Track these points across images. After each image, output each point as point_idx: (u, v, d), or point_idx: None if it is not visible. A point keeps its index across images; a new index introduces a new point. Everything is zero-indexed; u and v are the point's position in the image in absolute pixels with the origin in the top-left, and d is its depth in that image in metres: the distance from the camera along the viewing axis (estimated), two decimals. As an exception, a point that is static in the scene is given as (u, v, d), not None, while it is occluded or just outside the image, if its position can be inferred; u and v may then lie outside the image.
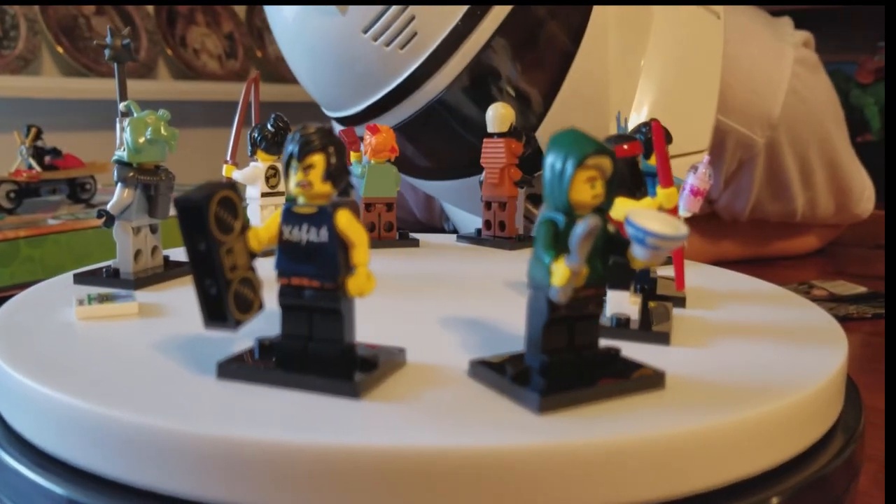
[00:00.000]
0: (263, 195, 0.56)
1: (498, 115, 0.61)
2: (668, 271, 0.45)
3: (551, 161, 0.29)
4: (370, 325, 0.33)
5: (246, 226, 0.30)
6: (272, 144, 0.55)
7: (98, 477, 0.27)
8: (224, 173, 0.56)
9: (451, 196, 0.89)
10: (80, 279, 0.45)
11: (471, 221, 0.89)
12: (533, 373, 0.29)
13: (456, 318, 0.39)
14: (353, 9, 0.71)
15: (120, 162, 0.45)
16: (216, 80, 1.58)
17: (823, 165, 0.92)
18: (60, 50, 1.31)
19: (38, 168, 0.87)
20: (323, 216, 0.30)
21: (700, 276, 0.50)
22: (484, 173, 0.62)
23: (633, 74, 0.76)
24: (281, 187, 0.56)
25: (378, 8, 0.70)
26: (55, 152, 0.90)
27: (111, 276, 0.45)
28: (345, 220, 0.30)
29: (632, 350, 0.32)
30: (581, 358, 0.30)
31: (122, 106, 0.47)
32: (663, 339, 0.35)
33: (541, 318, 0.29)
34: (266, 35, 1.70)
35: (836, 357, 0.35)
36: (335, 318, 0.30)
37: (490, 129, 0.61)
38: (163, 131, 0.44)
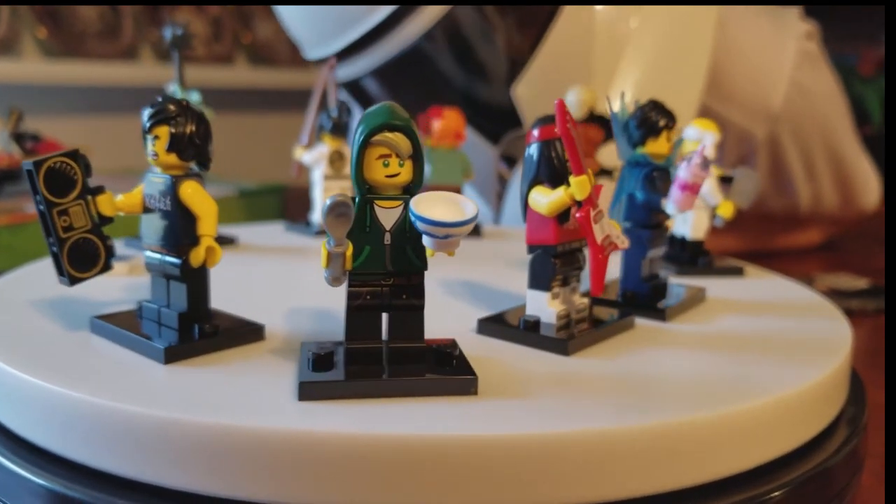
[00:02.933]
0: (327, 178, 0.57)
1: (574, 100, 0.56)
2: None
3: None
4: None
5: (90, 190, 0.32)
6: (337, 129, 0.56)
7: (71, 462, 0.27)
8: (294, 156, 0.59)
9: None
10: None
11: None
12: (336, 359, 0.28)
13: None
14: None
15: None
16: (202, 63, 1.56)
17: (827, 159, 0.92)
18: (42, 33, 1.29)
19: (19, 153, 0.84)
20: (169, 186, 0.31)
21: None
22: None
23: (618, 45, 0.74)
24: (346, 171, 0.57)
25: None
26: (36, 137, 0.88)
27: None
28: (188, 192, 0.31)
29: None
30: (390, 350, 0.28)
31: (170, 89, 0.50)
32: (560, 346, 0.32)
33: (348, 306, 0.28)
34: (253, 19, 1.67)
35: (839, 349, 0.35)
36: (181, 285, 0.32)
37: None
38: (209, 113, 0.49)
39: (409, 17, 0.71)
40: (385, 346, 0.28)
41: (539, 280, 0.34)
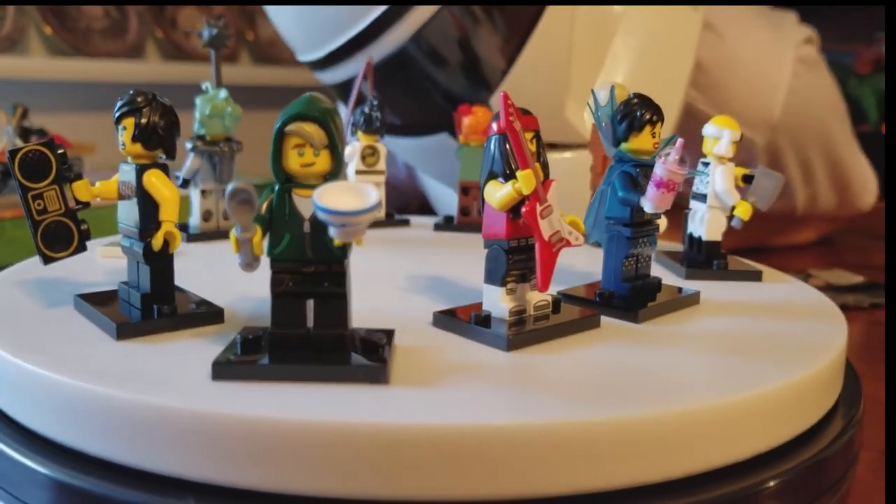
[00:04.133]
0: (358, 173, 0.58)
1: (606, 97, 0.55)
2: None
3: None
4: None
5: (66, 178, 0.34)
6: (370, 125, 0.58)
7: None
8: None
9: (418, 158, 0.89)
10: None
11: (447, 199, 0.89)
12: (260, 343, 0.29)
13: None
14: None
15: (197, 135, 0.53)
16: (207, 61, 1.56)
17: (825, 163, 0.92)
18: (48, 30, 1.29)
19: (24, 148, 0.85)
20: (136, 175, 0.33)
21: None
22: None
23: (599, 51, 0.75)
24: (379, 166, 0.58)
25: None
26: (41, 133, 0.88)
27: (181, 230, 0.49)
28: (151, 180, 0.33)
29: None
30: (310, 336, 0.29)
31: (203, 86, 0.54)
32: (500, 342, 0.32)
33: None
34: (257, 17, 1.68)
35: (834, 340, 0.35)
36: (146, 267, 0.33)
37: None
38: (228, 109, 0.52)
39: (396, 21, 0.72)
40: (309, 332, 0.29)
41: (492, 275, 0.33)
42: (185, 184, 0.53)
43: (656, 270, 0.44)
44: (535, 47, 0.73)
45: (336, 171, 0.28)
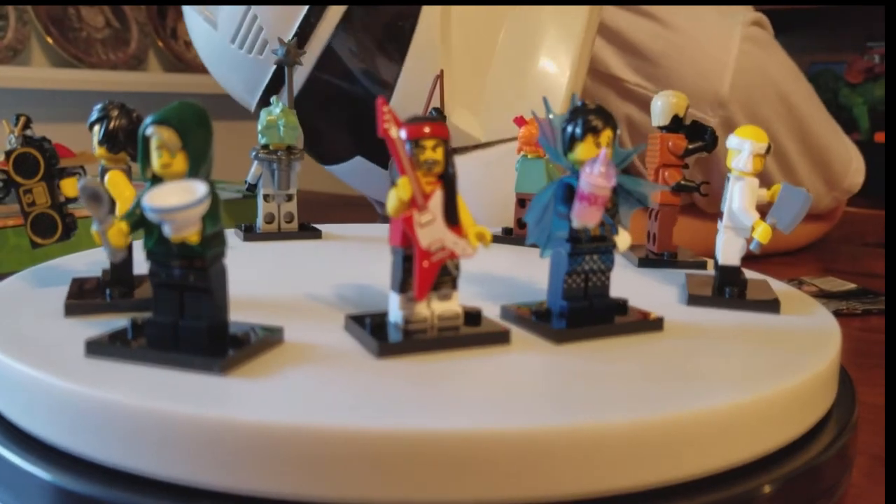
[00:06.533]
0: None
1: (656, 106, 0.52)
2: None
3: None
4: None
5: (55, 175, 0.41)
6: None
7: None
8: None
9: (350, 180, 0.94)
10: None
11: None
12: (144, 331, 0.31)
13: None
14: (221, 23, 0.83)
15: (260, 144, 0.57)
16: (207, 72, 1.56)
17: (795, 140, 0.91)
18: (50, 40, 1.30)
19: (27, 158, 0.86)
20: (100, 175, 0.37)
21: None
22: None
23: (484, 52, 0.78)
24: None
25: (237, 19, 0.81)
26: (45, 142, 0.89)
27: (247, 231, 0.57)
28: (109, 180, 0.37)
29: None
30: (181, 328, 0.31)
31: (271, 100, 0.57)
32: (374, 348, 0.32)
33: None
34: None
35: (828, 346, 0.35)
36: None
37: (653, 123, 0.53)
38: (282, 121, 0.56)
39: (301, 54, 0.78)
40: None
41: (393, 282, 0.33)
42: (252, 189, 0.58)
43: (665, 293, 0.43)
44: (413, 56, 0.77)
45: (194, 173, 0.30)
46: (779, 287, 0.47)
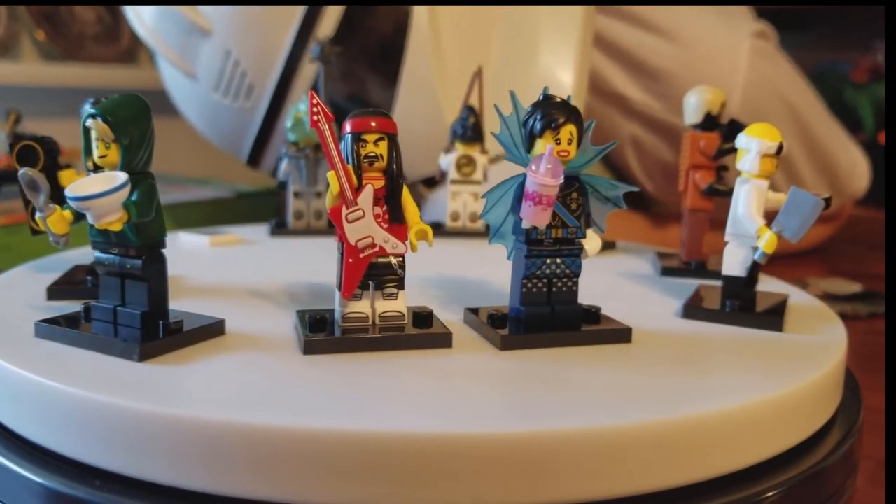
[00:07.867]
0: (453, 182, 0.58)
1: (689, 102, 0.49)
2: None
3: None
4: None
5: (54, 167, 0.42)
6: (465, 134, 0.58)
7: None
8: (439, 161, 0.61)
9: None
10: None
11: None
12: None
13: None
14: (201, 73, 0.82)
15: (290, 141, 0.58)
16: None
17: (799, 145, 0.91)
18: (41, 36, 1.29)
19: (16, 154, 0.85)
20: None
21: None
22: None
23: (476, 58, 0.76)
24: (475, 176, 0.59)
25: (217, 66, 0.80)
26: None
27: (279, 226, 0.59)
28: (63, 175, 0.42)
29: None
30: (119, 313, 0.32)
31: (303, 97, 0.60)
32: (304, 346, 0.31)
33: None
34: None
35: (834, 349, 0.35)
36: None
37: (685, 121, 0.50)
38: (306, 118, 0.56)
39: (277, 118, 0.79)
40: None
41: (337, 278, 0.33)
42: (282, 185, 0.58)
43: (668, 304, 0.41)
44: (407, 69, 0.77)
45: (127, 165, 0.31)
46: (796, 300, 0.44)
